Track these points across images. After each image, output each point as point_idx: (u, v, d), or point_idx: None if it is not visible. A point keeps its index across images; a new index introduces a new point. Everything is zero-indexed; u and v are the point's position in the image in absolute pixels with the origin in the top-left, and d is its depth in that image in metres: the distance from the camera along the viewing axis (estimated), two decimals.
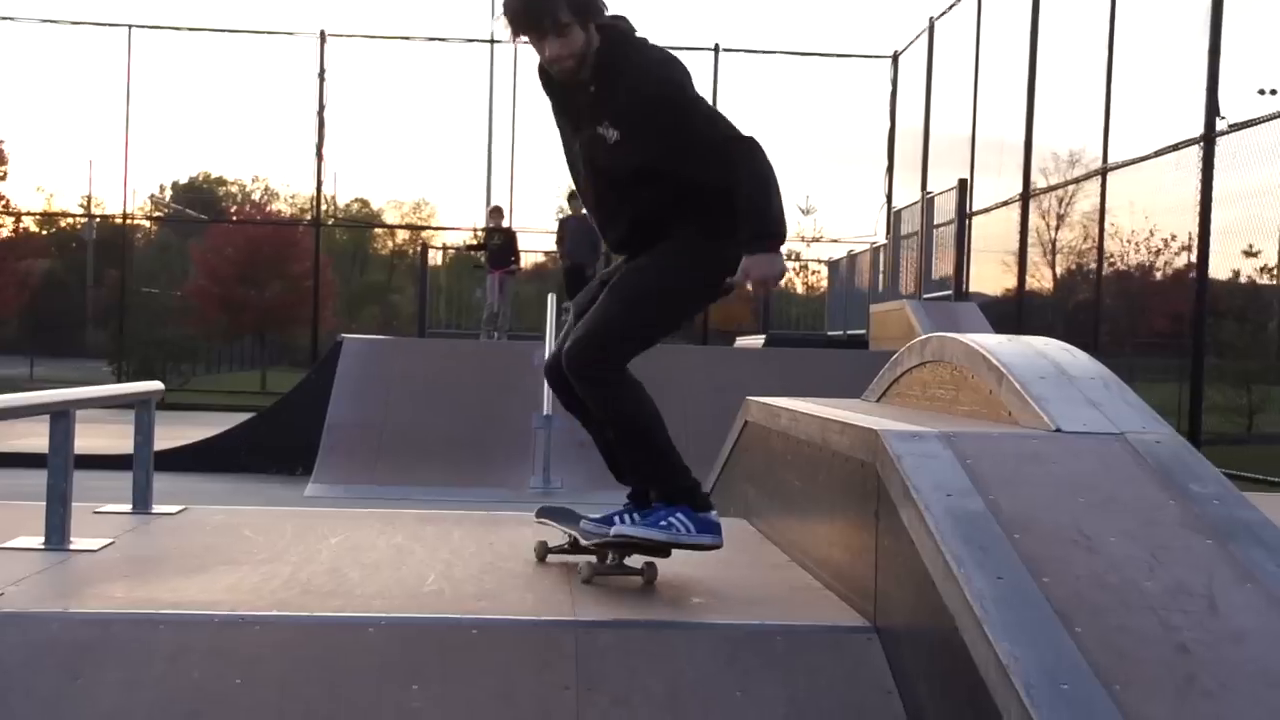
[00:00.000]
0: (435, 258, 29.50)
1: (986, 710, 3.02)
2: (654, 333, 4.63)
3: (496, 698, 3.69)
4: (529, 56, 4.62)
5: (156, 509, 6.08)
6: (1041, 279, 23.84)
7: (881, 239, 26.63)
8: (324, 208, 32.86)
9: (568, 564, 4.84)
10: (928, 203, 18.11)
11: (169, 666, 3.74)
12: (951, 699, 3.34)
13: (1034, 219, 20.97)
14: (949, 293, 16.67)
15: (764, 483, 5.91)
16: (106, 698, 3.63)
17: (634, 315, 4.51)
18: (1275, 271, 24.03)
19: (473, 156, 38.36)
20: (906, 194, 25.91)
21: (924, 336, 5.57)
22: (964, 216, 17.10)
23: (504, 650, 3.87)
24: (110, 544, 5.13)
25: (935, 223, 17.83)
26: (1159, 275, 27.21)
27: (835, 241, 32.23)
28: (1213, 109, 14.94)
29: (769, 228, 4.34)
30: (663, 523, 4.39)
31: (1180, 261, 24.28)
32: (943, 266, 17.68)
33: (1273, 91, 15.08)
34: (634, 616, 4.12)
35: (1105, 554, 3.41)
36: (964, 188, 17.24)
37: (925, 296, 17.09)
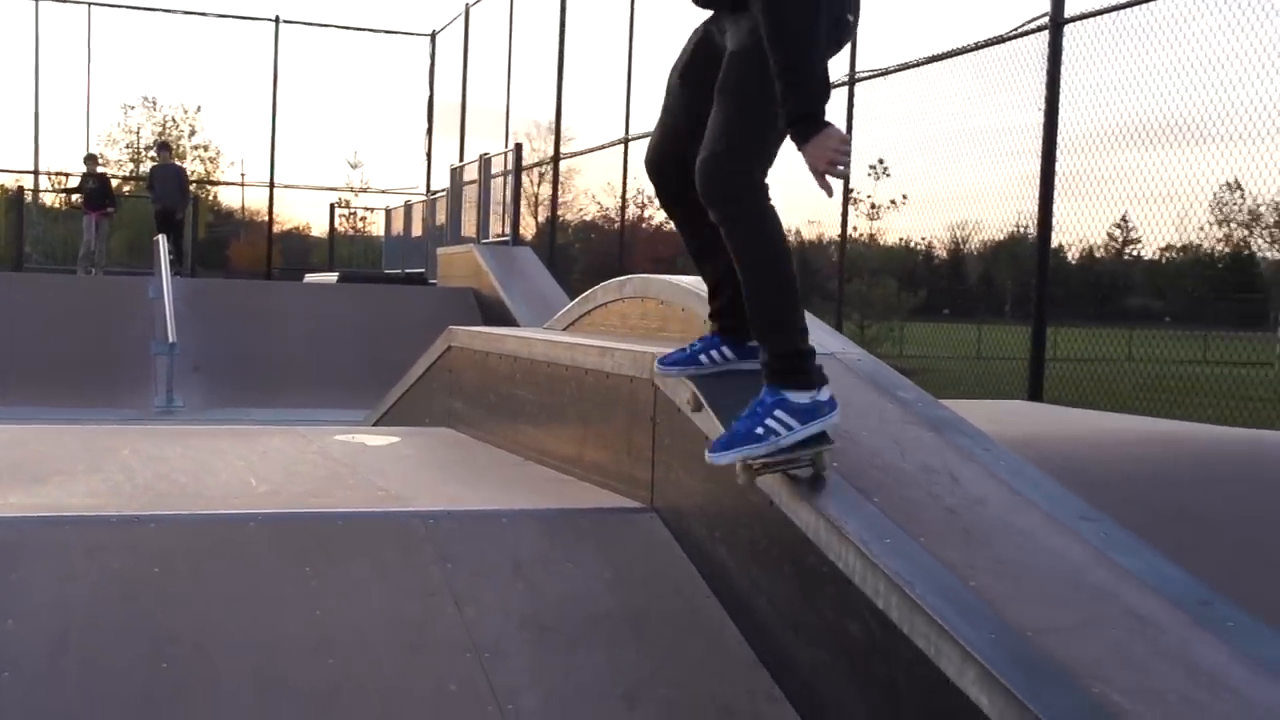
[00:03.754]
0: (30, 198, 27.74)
1: (812, 564, 3.39)
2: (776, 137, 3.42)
3: (377, 574, 3.81)
4: None
5: None
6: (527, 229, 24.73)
7: (422, 192, 26.89)
8: None
9: (356, 469, 4.94)
10: (485, 162, 18.38)
11: (89, 561, 3.68)
12: (761, 558, 3.69)
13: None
14: (507, 238, 17.03)
15: (479, 398, 6.11)
16: (45, 589, 3.55)
17: (761, 110, 3.33)
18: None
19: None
20: (447, 154, 26.35)
21: (625, 277, 5.88)
22: (519, 173, 17.46)
23: (369, 536, 3.99)
24: None
25: (492, 175, 18.14)
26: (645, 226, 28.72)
27: (384, 192, 32.22)
28: None
29: (791, 92, 3.22)
30: (759, 429, 3.38)
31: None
32: (496, 217, 18.02)
33: None
34: (455, 508, 4.29)
35: (865, 445, 3.83)
36: (519, 150, 17.63)
37: (484, 241, 17.39)
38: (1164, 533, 3.70)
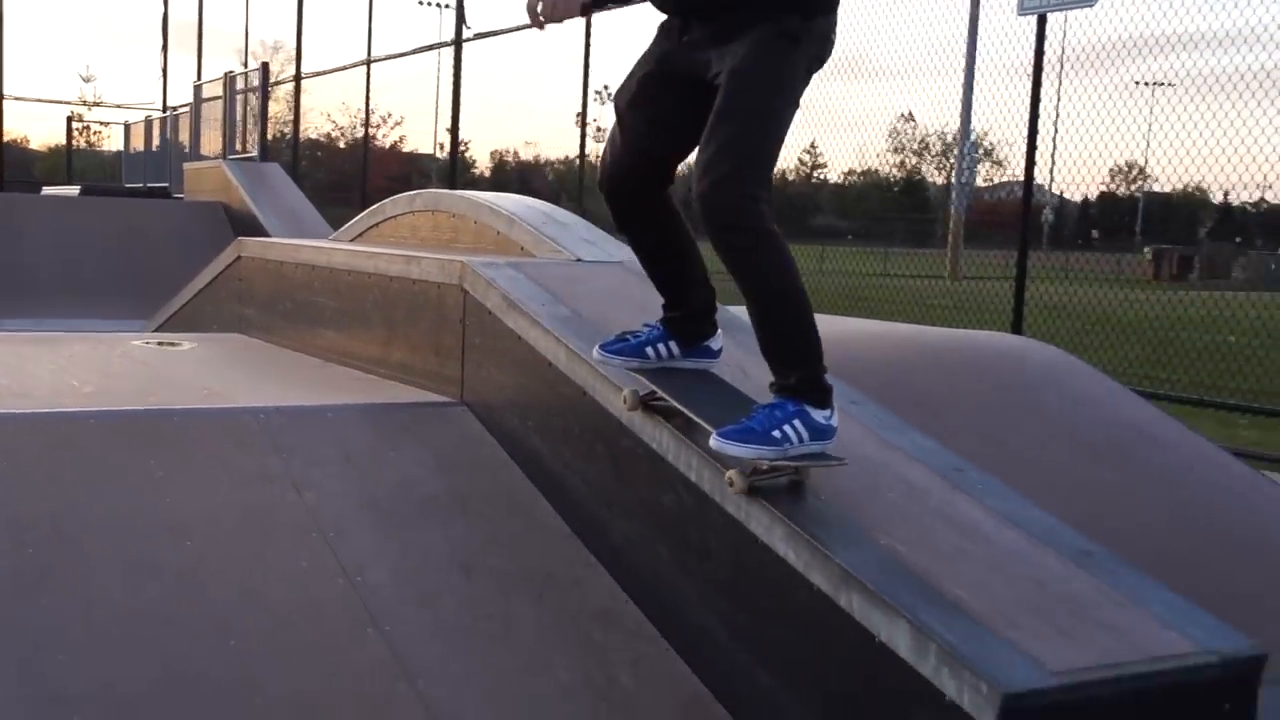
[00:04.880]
0: None
1: (626, 446, 3.63)
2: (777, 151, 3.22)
3: (219, 465, 3.89)
4: None
5: None
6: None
7: (159, 108, 25.85)
8: None
9: (169, 371, 4.94)
10: (230, 79, 17.83)
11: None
12: (574, 443, 3.91)
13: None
14: (254, 154, 16.63)
15: (273, 305, 6.12)
16: None
17: (768, 131, 3.13)
18: None
19: None
20: (182, 73, 25.44)
21: (416, 191, 5.97)
22: (267, 91, 17.02)
23: (206, 431, 4.05)
24: None
25: (237, 90, 17.64)
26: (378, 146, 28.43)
27: (119, 106, 30.78)
28: (460, 19, 15.82)
29: None
30: (776, 432, 3.12)
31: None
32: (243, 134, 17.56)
33: None
34: (283, 404, 4.37)
35: None
36: (266, 70, 17.15)
37: (232, 157, 16.94)
38: (912, 415, 4.08)
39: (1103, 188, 40.92)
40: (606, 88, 17.91)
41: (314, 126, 32.27)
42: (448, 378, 4.56)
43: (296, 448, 4.01)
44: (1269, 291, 20.50)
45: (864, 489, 3.32)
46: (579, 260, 4.72)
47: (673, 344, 3.51)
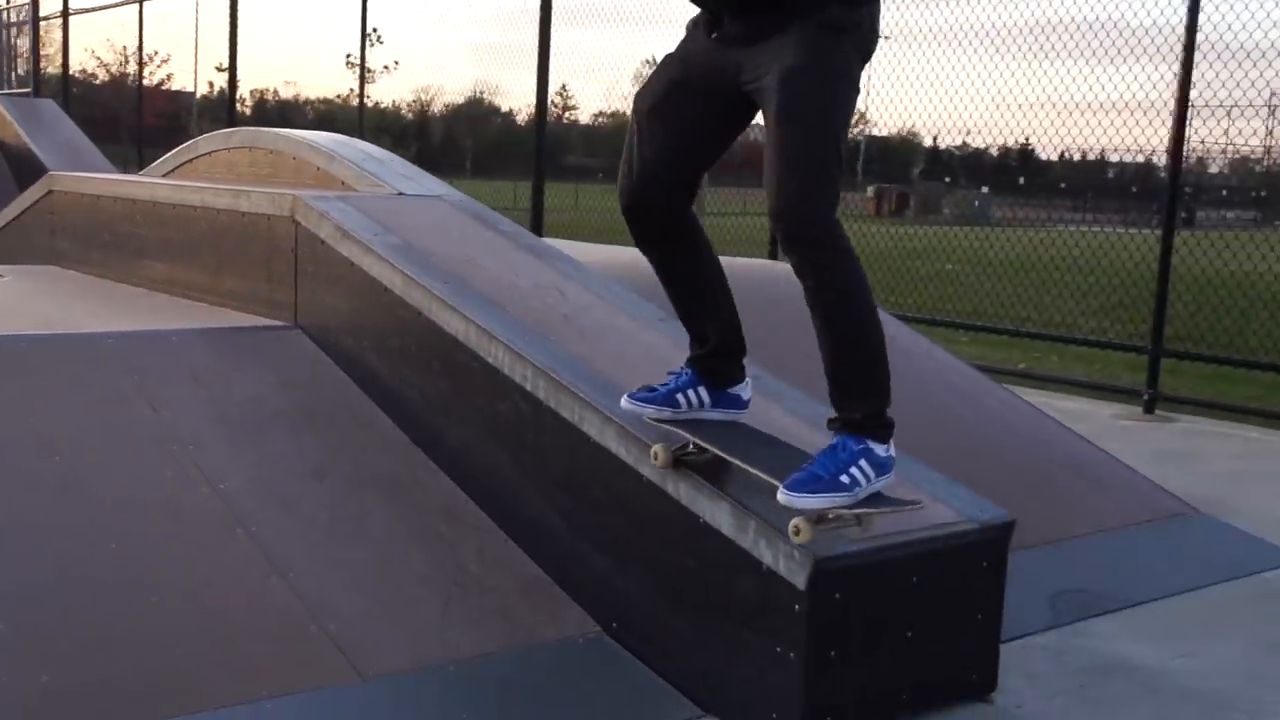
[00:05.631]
0: None
1: (462, 361, 3.79)
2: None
3: (75, 386, 3.88)
4: None
5: None
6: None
7: None
8: None
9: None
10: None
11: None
12: (411, 360, 4.03)
13: None
14: (29, 90, 15.80)
15: (91, 238, 5.98)
16: None
17: (835, 135, 2.76)
18: None
19: None
20: None
21: (232, 129, 5.93)
22: (38, 26, 16.14)
23: (57, 356, 4.03)
24: None
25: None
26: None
27: None
28: None
29: None
30: (844, 476, 2.80)
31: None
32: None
33: None
34: (126, 329, 4.35)
35: (489, 269, 4.25)
36: (37, 3, 16.26)
37: (4, 92, 16.04)
38: None
39: None
40: (375, 30, 17.69)
41: (81, 64, 30.77)
42: (280, 304, 4.61)
43: (147, 369, 4.03)
44: (974, 225, 21.65)
45: None
46: (401, 194, 4.82)
47: (702, 390, 3.14)
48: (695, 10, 2.95)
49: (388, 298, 4.08)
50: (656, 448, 3.11)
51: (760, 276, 5.94)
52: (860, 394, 2.85)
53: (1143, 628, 3.85)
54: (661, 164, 2.96)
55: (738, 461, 2.99)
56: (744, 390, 3.22)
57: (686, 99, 2.91)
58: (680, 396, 3.11)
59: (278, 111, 56.67)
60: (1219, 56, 8.00)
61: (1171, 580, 4.21)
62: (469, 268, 4.18)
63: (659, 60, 3.01)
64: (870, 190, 37.28)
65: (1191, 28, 7.59)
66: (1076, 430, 5.25)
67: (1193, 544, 4.56)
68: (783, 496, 2.78)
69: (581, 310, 4.05)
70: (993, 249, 13.66)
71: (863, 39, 2.78)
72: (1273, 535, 4.67)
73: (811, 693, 2.92)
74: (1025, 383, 6.83)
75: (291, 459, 3.78)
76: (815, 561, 2.87)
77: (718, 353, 3.16)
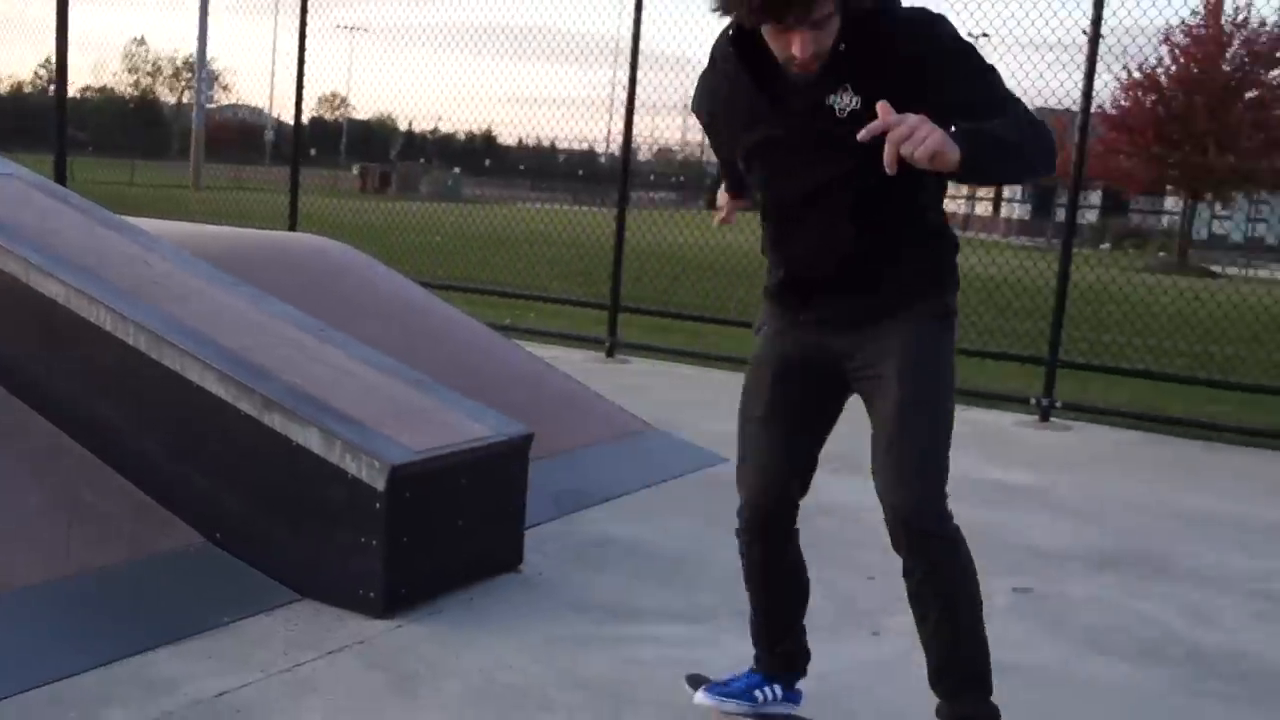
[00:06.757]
0: None
1: (63, 320, 3.92)
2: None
3: None
4: None
5: None
6: None
7: None
8: None
9: None
10: None
11: None
12: (9, 319, 4.08)
13: None
14: None
15: None
16: None
17: (950, 427, 2.46)
18: None
19: None
20: None
21: None
22: None
23: None
24: None
25: None
26: None
27: None
28: None
29: (984, 161, 2.12)
30: None
31: None
32: None
33: None
34: None
35: (73, 239, 4.33)
36: None
37: None
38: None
39: (314, 113, 41.86)
40: None
41: None
42: None
43: None
44: (449, 202, 22.50)
45: (262, 345, 3.93)
46: None
47: (777, 687, 2.82)
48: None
49: None
50: None
51: (307, 247, 6.27)
52: (971, 684, 2.50)
53: (621, 513, 4.67)
54: (790, 465, 2.64)
55: None
56: (801, 684, 2.89)
57: (791, 390, 2.60)
58: (758, 693, 2.82)
59: None
60: (655, 64, 9.09)
61: (640, 478, 5.07)
62: (58, 240, 4.27)
63: (751, 369, 2.68)
64: (356, 169, 37.38)
65: (636, 38, 8.60)
66: (561, 370, 6.04)
67: (652, 451, 5.46)
68: None
69: (167, 276, 4.26)
70: (470, 223, 14.50)
71: (957, 324, 2.51)
72: (706, 443, 5.67)
73: (391, 571, 3.43)
74: (512, 335, 7.54)
75: None
76: (391, 468, 3.38)
77: (797, 654, 2.84)
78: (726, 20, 2.31)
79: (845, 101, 2.25)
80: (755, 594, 2.76)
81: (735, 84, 2.39)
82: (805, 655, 2.82)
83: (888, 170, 2.02)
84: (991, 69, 2.26)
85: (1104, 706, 3.24)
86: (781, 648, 2.79)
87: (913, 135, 1.98)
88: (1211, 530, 5.13)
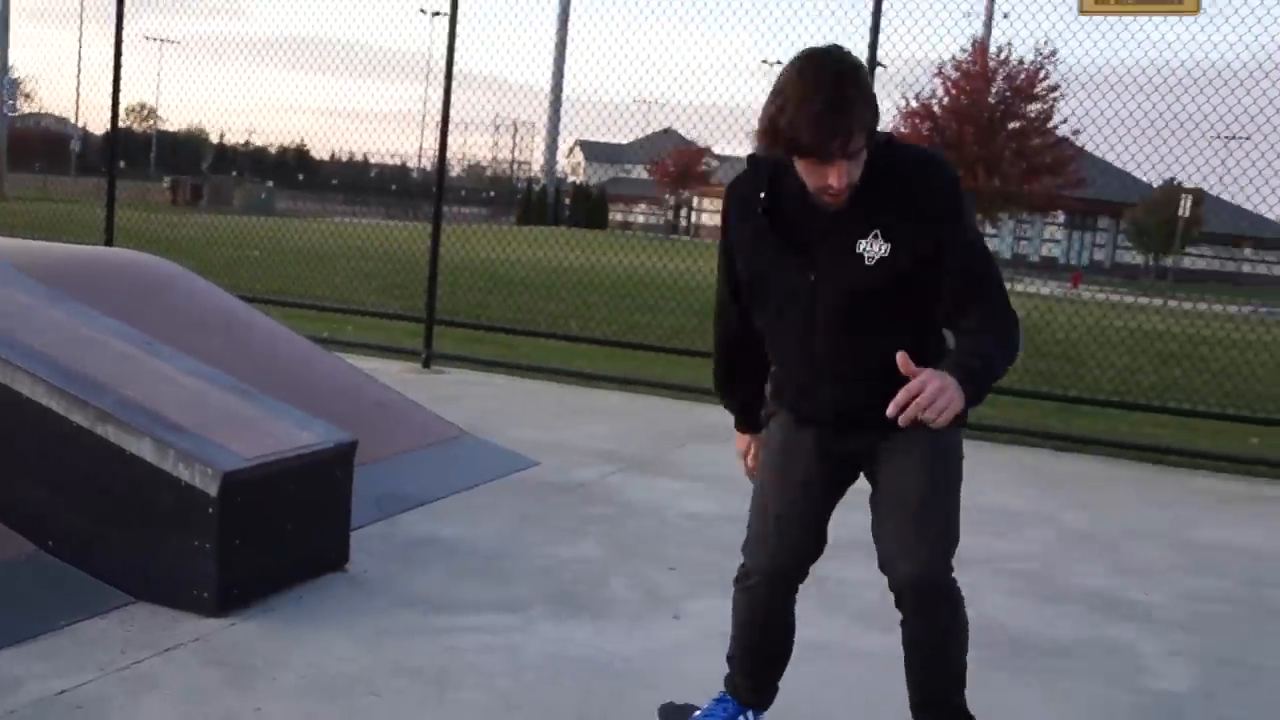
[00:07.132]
0: None
1: None
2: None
3: None
4: None
5: None
6: None
7: None
8: None
9: None
10: None
11: None
12: None
13: None
14: None
15: None
16: None
17: (955, 502, 2.59)
18: None
19: None
20: None
21: None
22: None
23: None
24: None
25: None
26: None
27: None
28: None
29: (981, 395, 2.32)
30: None
31: None
32: None
33: None
34: None
35: None
36: None
37: None
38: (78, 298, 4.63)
39: (122, 124, 40.24)
40: None
41: None
42: None
43: None
44: (262, 215, 22.05)
45: (90, 358, 3.94)
46: None
47: (751, 713, 2.94)
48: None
49: None
50: None
51: (126, 261, 6.19)
52: (954, 692, 2.66)
53: (440, 514, 4.83)
54: (814, 542, 2.73)
55: None
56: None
57: (816, 483, 2.69)
58: (741, 718, 2.94)
59: None
60: (466, 82, 9.21)
61: (457, 481, 5.23)
62: None
63: (772, 451, 2.75)
64: (166, 181, 36.04)
65: (450, 60, 8.74)
66: (380, 380, 6.14)
67: (468, 457, 5.63)
68: None
69: None
70: (286, 237, 14.31)
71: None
72: (518, 448, 5.87)
73: (224, 572, 3.52)
74: (332, 347, 7.54)
75: None
76: (223, 475, 3.47)
77: (772, 695, 2.97)
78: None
79: (875, 250, 2.34)
80: (756, 639, 2.85)
81: (759, 225, 2.46)
82: (776, 690, 2.95)
83: (900, 425, 2.18)
84: (980, 236, 2.45)
85: (871, 672, 3.55)
86: (769, 684, 2.91)
87: (933, 404, 2.14)
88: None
